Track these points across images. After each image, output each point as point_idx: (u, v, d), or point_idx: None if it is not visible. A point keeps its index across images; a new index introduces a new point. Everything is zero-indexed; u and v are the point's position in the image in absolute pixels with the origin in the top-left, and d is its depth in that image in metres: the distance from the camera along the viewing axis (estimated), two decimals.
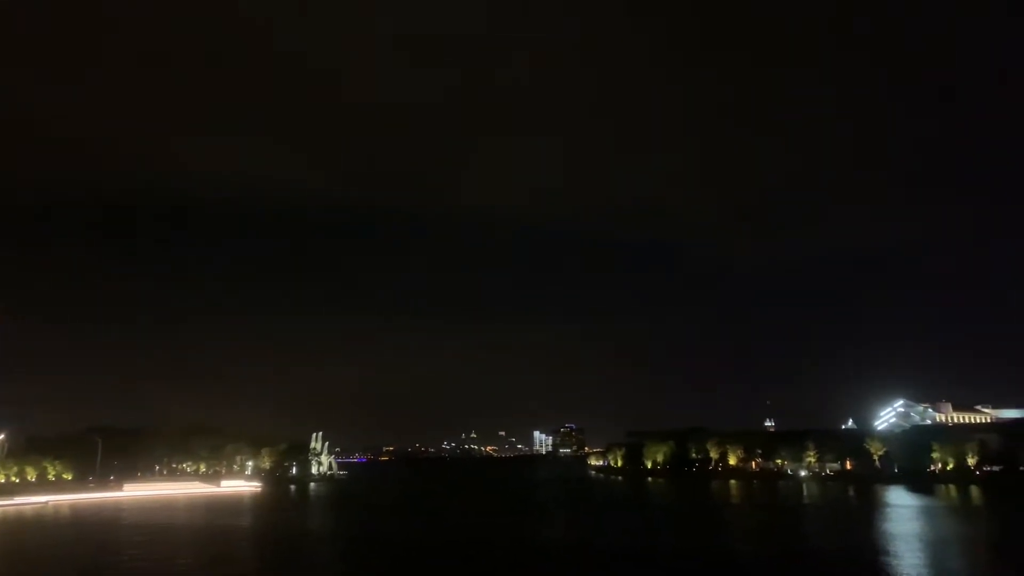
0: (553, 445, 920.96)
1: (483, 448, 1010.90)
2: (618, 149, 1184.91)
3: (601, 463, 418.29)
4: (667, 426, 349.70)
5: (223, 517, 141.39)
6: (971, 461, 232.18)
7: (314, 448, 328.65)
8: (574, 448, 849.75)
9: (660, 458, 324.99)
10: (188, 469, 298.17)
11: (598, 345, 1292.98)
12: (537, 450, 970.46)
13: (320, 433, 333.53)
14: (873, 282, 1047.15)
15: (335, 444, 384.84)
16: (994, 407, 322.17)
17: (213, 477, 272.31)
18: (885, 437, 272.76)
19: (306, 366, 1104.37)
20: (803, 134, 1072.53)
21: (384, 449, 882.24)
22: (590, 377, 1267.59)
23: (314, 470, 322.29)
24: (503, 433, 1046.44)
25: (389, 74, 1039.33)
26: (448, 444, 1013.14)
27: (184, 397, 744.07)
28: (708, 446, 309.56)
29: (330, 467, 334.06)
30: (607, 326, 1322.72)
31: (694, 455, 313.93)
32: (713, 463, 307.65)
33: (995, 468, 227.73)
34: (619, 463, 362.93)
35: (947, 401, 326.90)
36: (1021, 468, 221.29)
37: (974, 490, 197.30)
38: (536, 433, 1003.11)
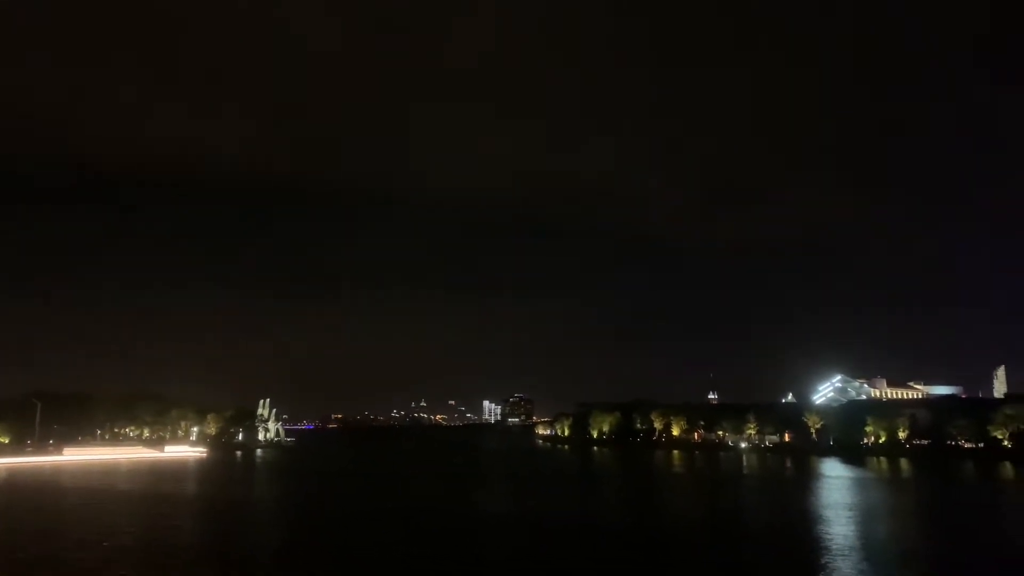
0: (502, 414, 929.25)
1: (432, 417, 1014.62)
2: (579, 125, 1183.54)
3: (549, 432, 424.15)
4: (614, 398, 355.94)
5: (166, 482, 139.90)
6: (902, 435, 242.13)
7: (261, 415, 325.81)
8: (523, 417, 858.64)
9: (606, 428, 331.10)
10: (131, 434, 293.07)
11: (548, 318, 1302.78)
12: (486, 419, 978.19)
13: (267, 400, 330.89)
14: (815, 263, 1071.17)
15: (283, 411, 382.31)
16: (926, 383, 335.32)
17: (156, 443, 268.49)
18: (822, 411, 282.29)
19: (254, 335, 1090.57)
20: (743, 122, 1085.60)
21: (333, 417, 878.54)
22: (540, 348, 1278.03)
23: (261, 437, 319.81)
24: (453, 402, 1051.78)
25: (354, 38, 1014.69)
26: (397, 412, 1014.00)
27: (130, 365, 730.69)
28: (653, 417, 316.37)
29: (277, 434, 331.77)
30: (558, 299, 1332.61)
31: (639, 426, 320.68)
32: (657, 434, 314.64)
33: (924, 442, 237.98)
34: (566, 432, 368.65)
35: (882, 377, 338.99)
36: (948, 442, 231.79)
37: (904, 463, 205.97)
38: (486, 402, 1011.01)
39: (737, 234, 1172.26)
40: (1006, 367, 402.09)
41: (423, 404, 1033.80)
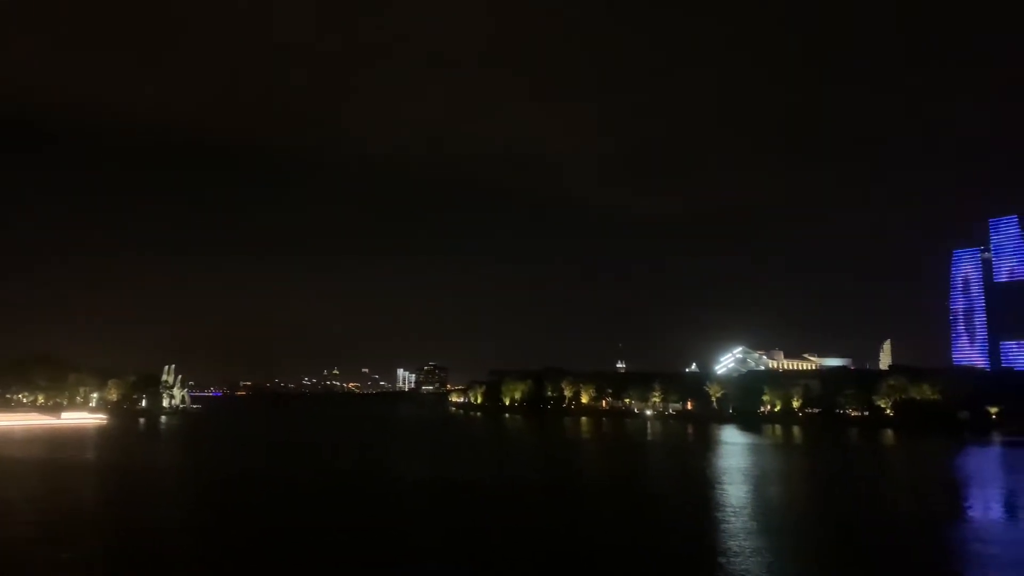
0: (416, 382, 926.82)
1: (345, 384, 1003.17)
2: (510, 96, 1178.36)
3: (462, 400, 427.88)
4: (527, 366, 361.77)
5: (61, 450, 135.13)
6: (796, 404, 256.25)
7: (166, 380, 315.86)
8: (436, 385, 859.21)
9: (518, 396, 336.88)
10: (24, 400, 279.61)
11: (465, 285, 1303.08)
12: (400, 387, 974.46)
13: (173, 366, 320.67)
14: (728, 237, 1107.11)
15: (189, 377, 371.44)
16: (819, 355, 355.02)
17: (53, 409, 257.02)
18: (723, 381, 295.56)
19: (161, 299, 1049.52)
20: (671, 97, 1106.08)
21: (241, 384, 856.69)
22: (455, 316, 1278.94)
23: (165, 403, 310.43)
24: (366, 370, 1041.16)
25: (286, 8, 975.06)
26: (309, 380, 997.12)
27: (30, 329, 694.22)
28: (563, 385, 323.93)
29: (182, 400, 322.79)
30: (475, 267, 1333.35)
31: (550, 393, 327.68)
32: (567, 401, 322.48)
33: (816, 410, 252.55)
34: (479, 400, 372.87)
35: (779, 349, 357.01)
36: (837, 411, 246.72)
37: (796, 430, 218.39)
38: (400, 370, 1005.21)
39: (653, 207, 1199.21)
40: (891, 341, 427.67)
41: (335, 372, 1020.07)
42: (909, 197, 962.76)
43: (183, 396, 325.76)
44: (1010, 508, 79.11)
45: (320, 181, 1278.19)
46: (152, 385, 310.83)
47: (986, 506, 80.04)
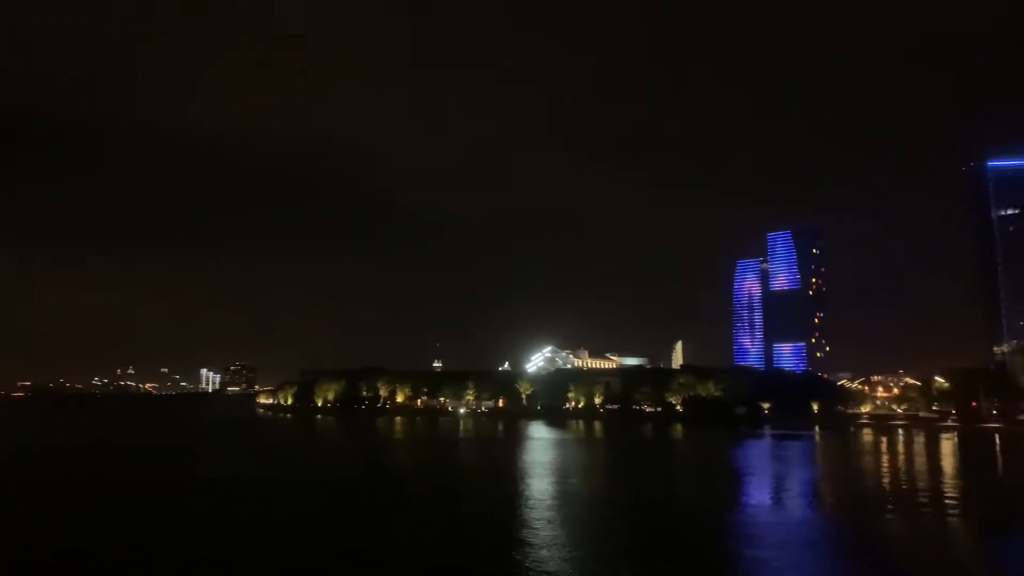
0: (222, 383, 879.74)
1: (142, 385, 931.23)
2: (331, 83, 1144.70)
3: (272, 401, 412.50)
4: (341, 366, 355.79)
5: None
6: (598, 400, 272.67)
7: None
8: (244, 387, 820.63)
9: (331, 396, 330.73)
10: None
11: (276, 282, 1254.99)
12: (204, 388, 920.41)
13: None
14: (545, 239, 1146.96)
15: None
16: (620, 355, 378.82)
17: None
18: (533, 379, 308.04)
19: None
20: (498, 99, 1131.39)
21: (18, 384, 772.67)
22: (265, 314, 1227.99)
23: None
24: (166, 369, 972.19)
25: None
26: (100, 380, 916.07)
27: None
28: (379, 385, 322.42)
29: None
30: (287, 264, 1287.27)
31: (365, 393, 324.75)
32: (383, 401, 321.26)
33: (615, 406, 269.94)
34: (290, 401, 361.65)
35: (585, 349, 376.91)
36: (634, 406, 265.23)
37: (598, 424, 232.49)
38: (204, 371, 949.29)
39: (470, 207, 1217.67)
40: (683, 342, 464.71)
41: (131, 371, 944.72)
42: (708, 212, 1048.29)
43: None
44: (776, 493, 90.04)
45: (120, 168, 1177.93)
46: None
47: (756, 491, 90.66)
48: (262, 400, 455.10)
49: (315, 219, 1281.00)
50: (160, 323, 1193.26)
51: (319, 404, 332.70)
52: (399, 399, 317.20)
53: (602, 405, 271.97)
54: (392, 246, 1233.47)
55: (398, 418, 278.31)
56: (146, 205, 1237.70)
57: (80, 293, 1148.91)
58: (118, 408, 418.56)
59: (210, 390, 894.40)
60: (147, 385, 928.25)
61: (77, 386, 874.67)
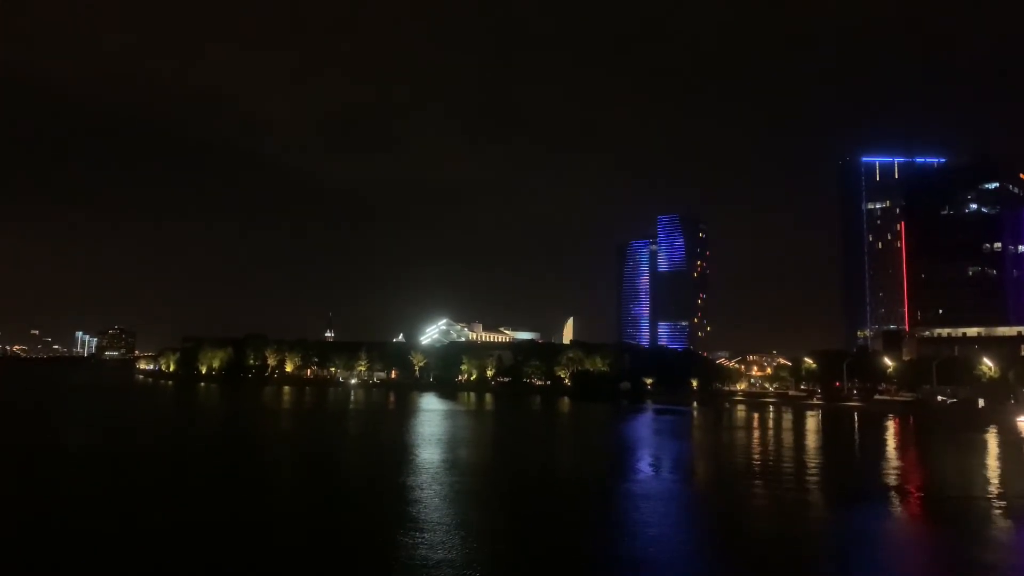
0: (98, 347, 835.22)
1: (9, 348, 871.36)
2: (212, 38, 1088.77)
3: (152, 368, 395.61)
4: (227, 333, 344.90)
5: None
6: (489, 373, 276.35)
7: None
8: (122, 351, 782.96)
9: (216, 364, 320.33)
10: None
11: (158, 244, 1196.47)
12: (78, 352, 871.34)
13: None
14: (442, 209, 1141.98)
15: None
16: (513, 329, 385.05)
17: None
18: (426, 351, 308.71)
19: None
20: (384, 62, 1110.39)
21: None
22: (146, 276, 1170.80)
23: None
24: (36, 332, 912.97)
25: None
26: None
27: None
28: (266, 353, 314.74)
29: None
30: (170, 226, 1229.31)
31: (252, 362, 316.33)
32: (270, 370, 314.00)
33: (506, 379, 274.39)
34: (171, 368, 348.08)
35: (479, 322, 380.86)
36: (524, 380, 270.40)
37: (488, 397, 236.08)
38: (79, 334, 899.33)
39: (360, 174, 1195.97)
40: (574, 319, 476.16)
41: None
42: (611, 195, 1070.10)
43: None
44: (655, 463, 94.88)
45: None
46: None
47: (634, 461, 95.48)
48: (142, 366, 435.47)
49: (194, 181, 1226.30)
50: (31, 282, 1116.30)
51: (203, 372, 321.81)
52: (288, 368, 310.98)
53: (494, 378, 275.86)
54: (280, 213, 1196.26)
55: (286, 388, 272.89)
56: (16, 160, 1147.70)
57: None
58: None
59: (86, 354, 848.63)
60: (15, 348, 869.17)
61: None
